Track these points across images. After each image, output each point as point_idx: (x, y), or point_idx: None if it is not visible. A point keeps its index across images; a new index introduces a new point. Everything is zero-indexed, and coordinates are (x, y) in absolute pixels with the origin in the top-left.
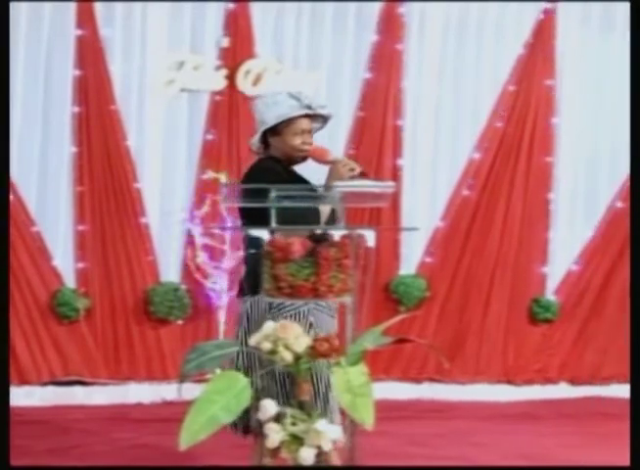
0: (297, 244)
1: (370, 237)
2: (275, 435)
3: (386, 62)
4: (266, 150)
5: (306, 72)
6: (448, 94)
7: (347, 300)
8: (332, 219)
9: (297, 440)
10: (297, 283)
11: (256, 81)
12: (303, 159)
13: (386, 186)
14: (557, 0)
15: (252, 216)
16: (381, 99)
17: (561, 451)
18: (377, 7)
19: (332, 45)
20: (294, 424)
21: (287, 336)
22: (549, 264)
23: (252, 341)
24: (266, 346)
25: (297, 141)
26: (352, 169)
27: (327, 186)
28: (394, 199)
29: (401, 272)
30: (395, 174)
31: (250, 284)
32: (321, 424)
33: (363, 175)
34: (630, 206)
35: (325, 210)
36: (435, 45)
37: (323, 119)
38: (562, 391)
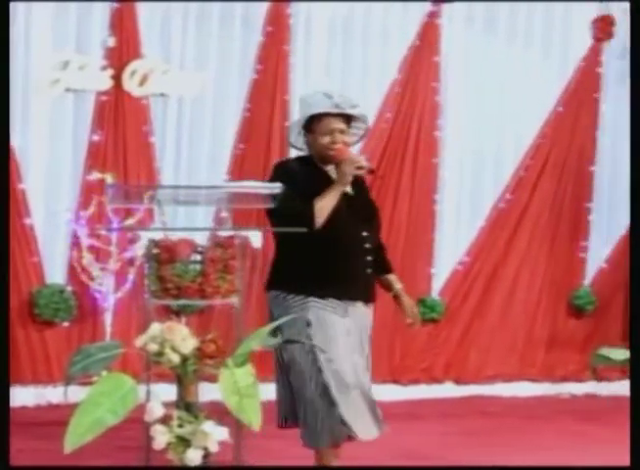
0: (183, 245)
1: (256, 238)
2: (161, 437)
3: (272, 62)
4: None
5: (193, 73)
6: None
7: (235, 300)
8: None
9: (184, 441)
10: (184, 284)
11: (143, 82)
12: (337, 158)
13: (272, 187)
14: (441, 2)
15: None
16: (268, 99)
17: (444, 451)
18: (264, 8)
19: (219, 45)
20: (180, 426)
21: (174, 337)
22: (435, 265)
23: (138, 342)
24: (153, 347)
25: (326, 140)
26: (361, 167)
27: (212, 187)
28: None
29: None
30: None
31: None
32: (208, 425)
33: (371, 172)
34: (630, 206)
35: (322, 205)
36: (322, 46)
37: (362, 121)
38: (447, 390)
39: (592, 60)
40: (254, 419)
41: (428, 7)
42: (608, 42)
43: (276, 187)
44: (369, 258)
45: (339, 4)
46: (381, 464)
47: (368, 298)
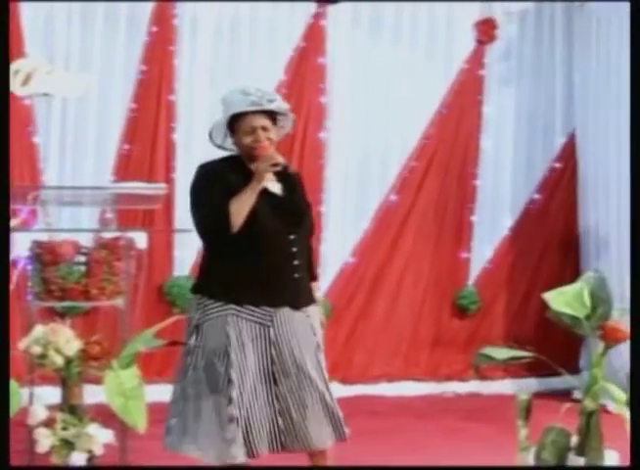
0: (67, 246)
1: (142, 239)
2: (45, 440)
3: (158, 63)
4: None
5: (78, 73)
6: (221, 96)
7: (120, 302)
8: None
9: (68, 444)
10: (68, 286)
11: (26, 81)
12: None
13: (157, 188)
14: (326, 3)
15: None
16: (153, 100)
17: (330, 451)
18: (149, 8)
19: (103, 45)
20: (64, 429)
21: (57, 339)
22: (320, 265)
23: (21, 345)
24: (36, 350)
25: (248, 139)
26: (276, 164)
27: (97, 187)
28: (167, 200)
29: (175, 274)
30: (168, 176)
31: None
32: (92, 428)
33: (286, 169)
34: (631, 206)
35: (237, 206)
36: (208, 47)
37: (284, 114)
38: (333, 390)
39: (475, 62)
40: (140, 421)
41: (313, 8)
42: (490, 45)
43: (160, 188)
44: (296, 262)
45: (224, 4)
46: (275, 464)
47: (298, 303)
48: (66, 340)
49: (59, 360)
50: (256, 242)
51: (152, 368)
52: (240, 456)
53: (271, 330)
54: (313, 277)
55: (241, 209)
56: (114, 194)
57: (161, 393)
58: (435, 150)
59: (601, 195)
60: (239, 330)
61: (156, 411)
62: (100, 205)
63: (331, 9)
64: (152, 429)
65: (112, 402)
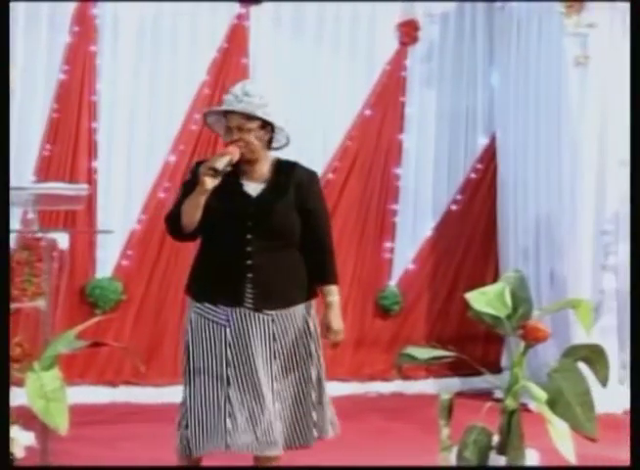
0: None
1: (64, 240)
2: None
3: (79, 63)
4: None
5: None
6: (144, 96)
7: (41, 303)
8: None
9: None
10: None
11: None
12: (244, 156)
13: (79, 188)
14: (249, 3)
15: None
16: (75, 101)
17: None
18: (70, 7)
19: (24, 45)
20: None
21: None
22: None
23: None
24: None
25: (225, 139)
26: (211, 168)
27: (18, 188)
28: (89, 201)
29: (97, 275)
30: (90, 177)
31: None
32: (13, 430)
33: (215, 173)
34: (631, 206)
35: (184, 208)
36: (130, 47)
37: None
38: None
39: (397, 63)
40: (61, 423)
41: (236, 9)
42: (412, 46)
43: (82, 188)
44: (250, 261)
45: (146, 4)
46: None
47: (258, 305)
48: None
49: None
50: (210, 241)
51: (73, 370)
52: (195, 453)
53: (227, 330)
54: (322, 279)
55: (188, 210)
56: (36, 194)
57: (83, 394)
58: (358, 151)
59: (520, 196)
60: (199, 329)
61: (78, 413)
62: (21, 205)
63: (253, 10)
64: (74, 431)
65: (33, 405)
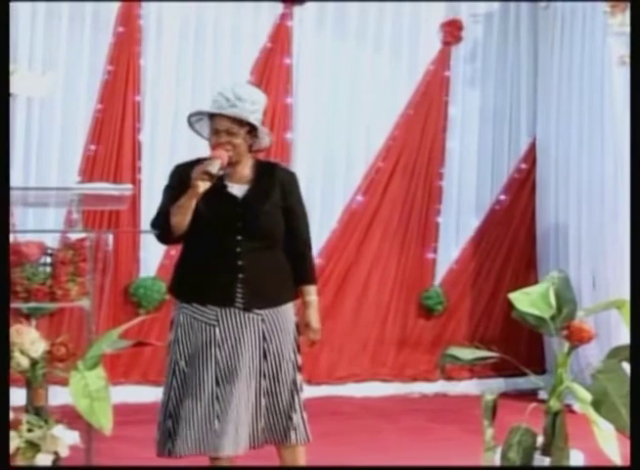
0: (32, 246)
1: (108, 240)
2: (10, 442)
3: (123, 63)
4: None
5: (42, 73)
6: (187, 96)
7: (85, 303)
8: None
9: (34, 446)
10: (33, 287)
11: None
12: (230, 159)
13: (123, 188)
14: (292, 3)
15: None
16: (119, 101)
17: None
18: (114, 7)
19: (68, 45)
20: (30, 430)
21: (22, 341)
22: None
23: None
24: None
25: (212, 140)
26: (206, 173)
27: (63, 188)
28: (133, 201)
29: (141, 275)
30: (134, 177)
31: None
32: (58, 430)
33: (211, 178)
34: (631, 207)
35: (174, 213)
36: (174, 47)
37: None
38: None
39: (441, 63)
40: (105, 422)
41: (279, 9)
42: (456, 46)
43: (127, 189)
44: (240, 262)
45: (190, 4)
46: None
47: (248, 304)
48: (31, 341)
49: (24, 362)
50: (200, 241)
51: (117, 370)
52: (176, 454)
53: (216, 329)
54: (302, 280)
55: (178, 213)
56: (80, 195)
57: (127, 394)
58: (401, 151)
59: (561, 198)
60: (188, 329)
61: (121, 413)
62: (66, 205)
63: (296, 9)
64: (118, 430)
65: (77, 404)
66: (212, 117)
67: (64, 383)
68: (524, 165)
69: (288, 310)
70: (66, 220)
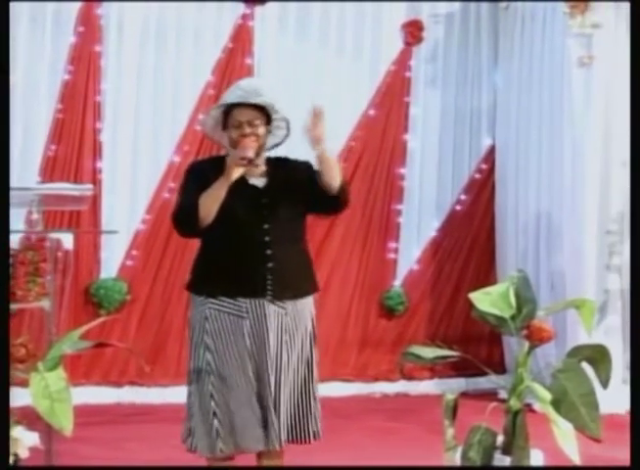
0: None
1: (68, 240)
2: None
3: (84, 64)
4: None
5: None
6: (148, 96)
7: (46, 303)
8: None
9: None
10: None
11: None
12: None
13: (83, 189)
14: (253, 3)
15: None
16: (80, 101)
17: None
18: (75, 7)
19: (29, 46)
20: None
21: None
22: None
23: None
24: None
25: (234, 133)
26: (244, 158)
27: (23, 188)
28: (94, 202)
29: (102, 276)
30: (95, 177)
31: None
32: (17, 431)
33: (250, 162)
34: (631, 207)
35: (204, 200)
36: (134, 47)
37: (275, 111)
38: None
39: (402, 63)
40: (66, 423)
41: (241, 9)
42: (417, 46)
43: (87, 189)
44: (269, 251)
45: (151, 4)
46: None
47: (275, 295)
48: None
49: None
50: (226, 233)
51: (78, 370)
52: (226, 450)
53: (247, 322)
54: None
55: (209, 202)
56: (41, 195)
57: (88, 395)
58: (362, 151)
59: (521, 197)
60: (218, 323)
61: (82, 414)
62: (26, 206)
63: (258, 10)
64: (78, 432)
65: (37, 405)
66: (231, 110)
67: (24, 384)
68: (484, 166)
69: (308, 304)
70: (26, 221)
